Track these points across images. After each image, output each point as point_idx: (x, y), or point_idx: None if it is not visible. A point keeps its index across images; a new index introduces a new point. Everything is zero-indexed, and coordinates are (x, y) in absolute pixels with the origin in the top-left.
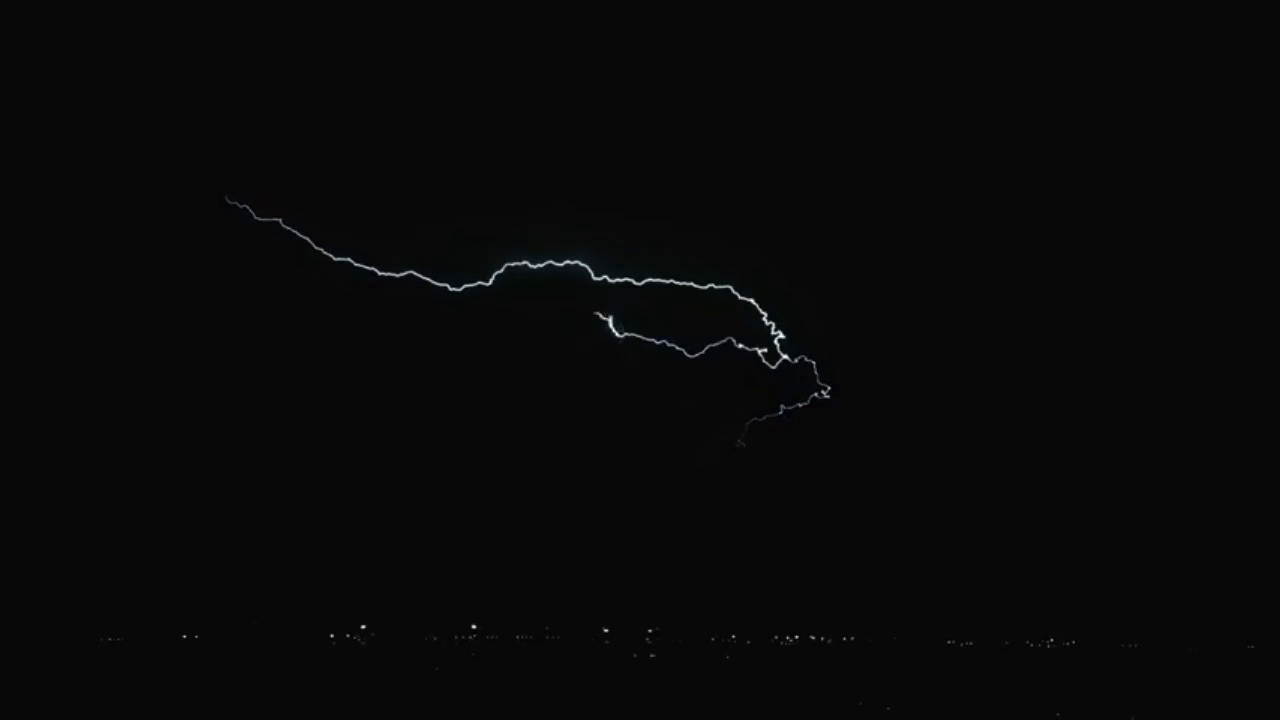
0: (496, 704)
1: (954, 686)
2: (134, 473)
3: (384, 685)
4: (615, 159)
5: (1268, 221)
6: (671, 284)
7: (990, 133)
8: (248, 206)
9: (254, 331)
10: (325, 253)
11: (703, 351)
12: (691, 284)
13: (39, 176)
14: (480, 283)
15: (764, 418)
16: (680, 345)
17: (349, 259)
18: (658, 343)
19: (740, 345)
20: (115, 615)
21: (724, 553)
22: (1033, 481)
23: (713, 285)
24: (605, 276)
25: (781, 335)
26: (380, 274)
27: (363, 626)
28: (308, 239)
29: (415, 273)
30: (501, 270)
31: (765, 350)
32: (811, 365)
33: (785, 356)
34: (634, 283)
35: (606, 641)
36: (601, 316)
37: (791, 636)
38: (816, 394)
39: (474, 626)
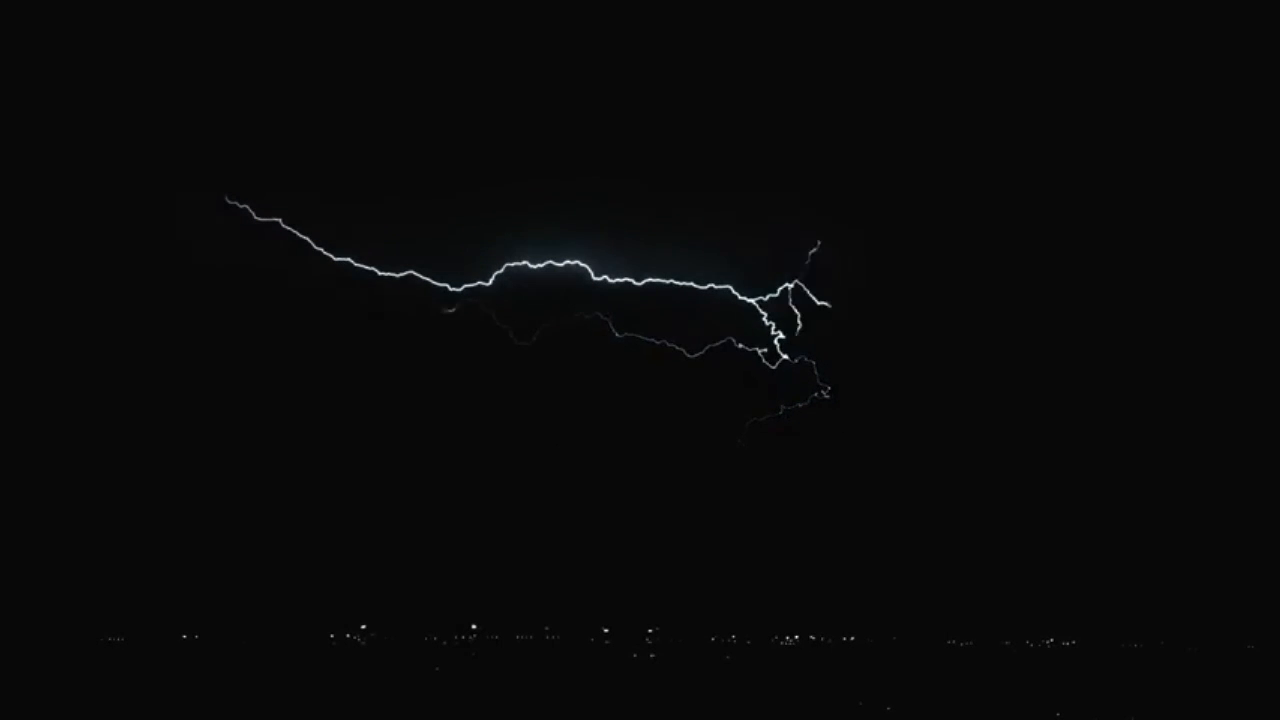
0: (496, 704)
1: (954, 686)
2: (134, 473)
3: (384, 685)
4: (615, 159)
5: (1266, 222)
6: (671, 284)
7: (992, 132)
8: (248, 206)
9: (254, 331)
10: (325, 253)
11: (703, 351)
12: (691, 284)
13: (38, 176)
14: (480, 283)
15: (764, 418)
16: (680, 345)
17: (349, 259)
18: (658, 343)
19: (740, 345)
20: (115, 615)
21: (724, 553)
22: (1032, 481)
23: (713, 285)
24: (605, 276)
25: (781, 335)
26: (380, 274)
27: (363, 626)
28: (308, 239)
29: (415, 273)
30: (501, 270)
31: (765, 350)
32: (811, 365)
33: (785, 356)
34: (634, 283)
35: (606, 641)
36: (602, 317)
37: (791, 636)
38: (816, 394)
39: (474, 626)
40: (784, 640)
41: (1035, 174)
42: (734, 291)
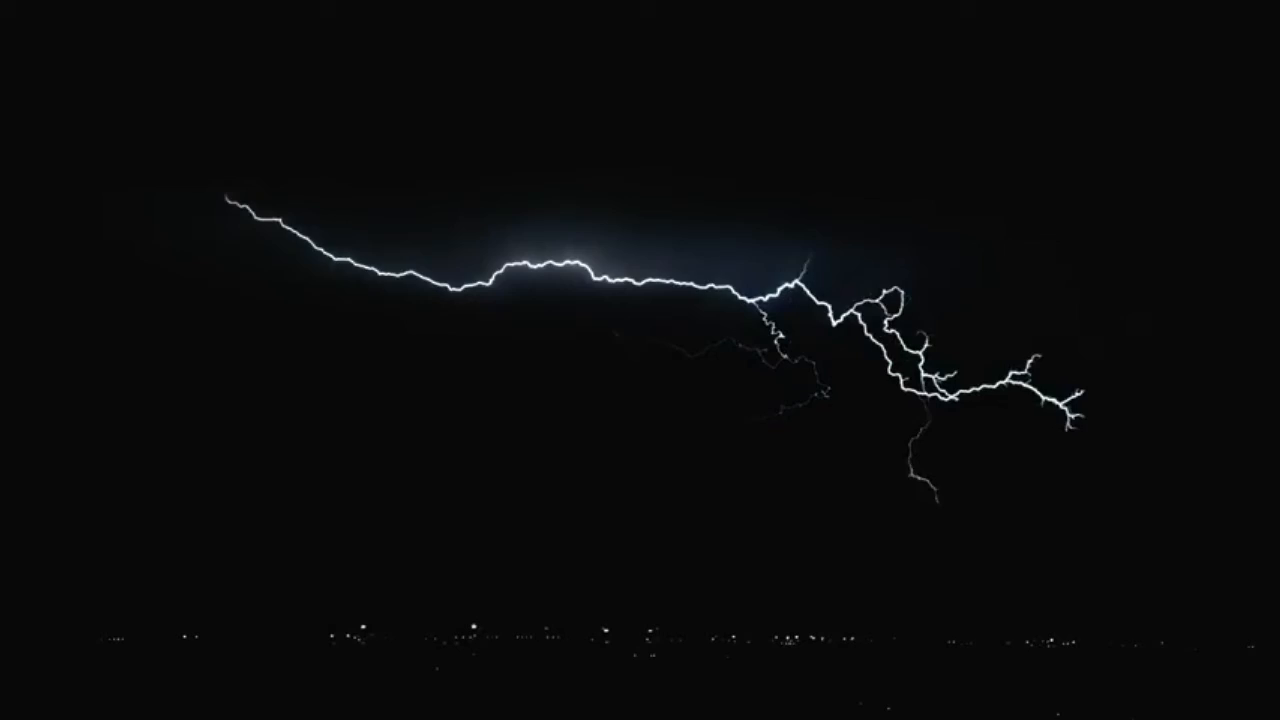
0: (496, 704)
1: (954, 686)
2: (134, 473)
3: (384, 685)
4: (615, 159)
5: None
6: (671, 284)
7: (992, 131)
8: (248, 207)
9: (253, 331)
10: (325, 253)
11: (703, 352)
12: (691, 284)
13: (38, 176)
14: (480, 283)
15: (764, 418)
16: (680, 345)
17: (349, 259)
18: (657, 343)
19: (740, 345)
20: (116, 615)
21: (724, 553)
22: (1032, 481)
23: (713, 285)
24: (605, 276)
25: (781, 335)
26: (380, 274)
27: (363, 626)
28: (308, 239)
29: (415, 273)
30: (501, 270)
31: (765, 350)
32: (811, 365)
33: (785, 356)
34: (634, 283)
35: (606, 641)
36: (602, 317)
37: (791, 636)
38: (816, 394)
39: (474, 626)
40: (784, 640)
41: (1038, 166)
42: (734, 291)
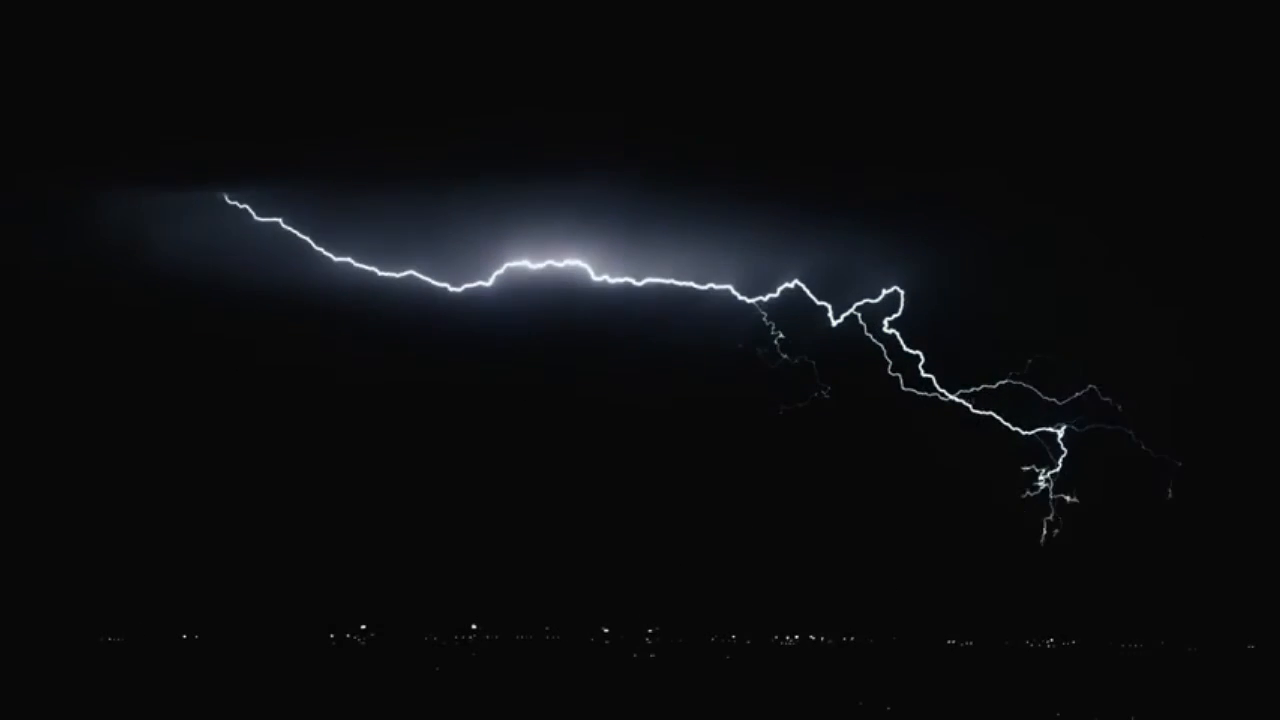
0: (496, 704)
1: (954, 686)
2: (134, 473)
3: (384, 685)
4: (615, 159)
5: None
6: (671, 284)
7: (992, 132)
8: (248, 206)
9: (253, 331)
10: (325, 253)
11: (703, 352)
12: (692, 284)
13: (38, 176)
14: (480, 283)
15: (764, 418)
16: (680, 345)
17: (349, 259)
18: (657, 343)
19: (740, 345)
20: (115, 615)
21: (724, 553)
22: (1031, 480)
23: (713, 285)
24: (605, 276)
25: (781, 335)
26: (380, 274)
27: (363, 626)
28: (308, 239)
29: (415, 273)
30: (501, 270)
31: (765, 350)
32: (812, 365)
33: (785, 356)
34: (634, 283)
35: (606, 641)
36: (602, 317)
37: (791, 636)
38: (816, 394)
39: (474, 626)
40: (784, 640)
41: (1038, 166)
42: (734, 291)
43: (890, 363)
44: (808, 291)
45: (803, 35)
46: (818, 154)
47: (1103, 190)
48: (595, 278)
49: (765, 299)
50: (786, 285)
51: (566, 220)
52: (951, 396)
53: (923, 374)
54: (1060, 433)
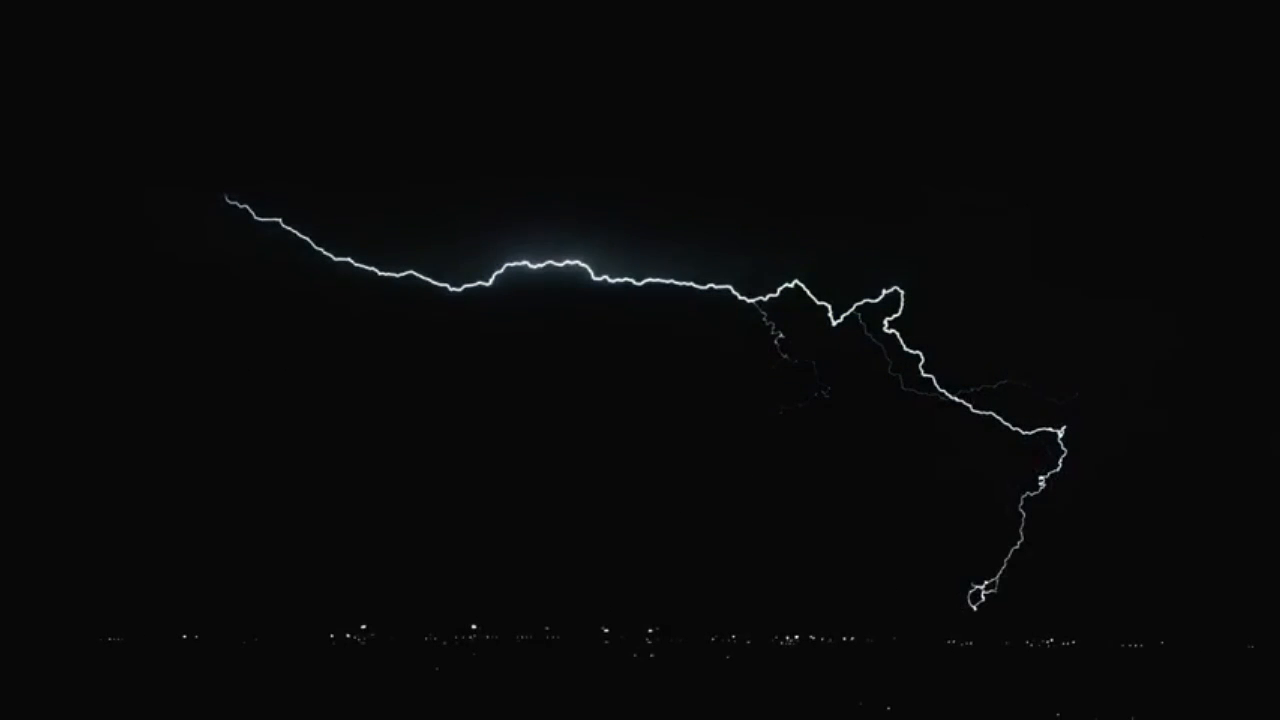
0: (496, 704)
1: (954, 686)
2: (134, 473)
3: (384, 685)
4: (615, 159)
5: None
6: (671, 284)
7: (992, 132)
8: (248, 206)
9: (254, 331)
10: (325, 253)
11: (703, 352)
12: (691, 284)
13: (37, 176)
14: (480, 283)
15: (764, 417)
16: (680, 345)
17: (349, 259)
18: (658, 343)
19: (740, 345)
20: (115, 615)
21: (724, 553)
22: (1031, 480)
23: (713, 285)
24: (605, 276)
25: (781, 335)
26: (380, 274)
27: (363, 626)
28: (308, 239)
29: (415, 273)
30: (501, 270)
31: (765, 350)
32: (812, 365)
33: (785, 356)
34: (634, 283)
35: (606, 641)
36: (602, 317)
37: (791, 636)
38: (816, 394)
39: (474, 626)
40: (784, 640)
41: (1038, 166)
42: (734, 291)
43: (890, 363)
44: (808, 291)
45: (803, 35)
46: (817, 154)
47: (1102, 191)
48: (595, 278)
49: (765, 299)
50: (786, 285)
51: (566, 220)
52: (951, 396)
53: (923, 374)
54: (1060, 433)
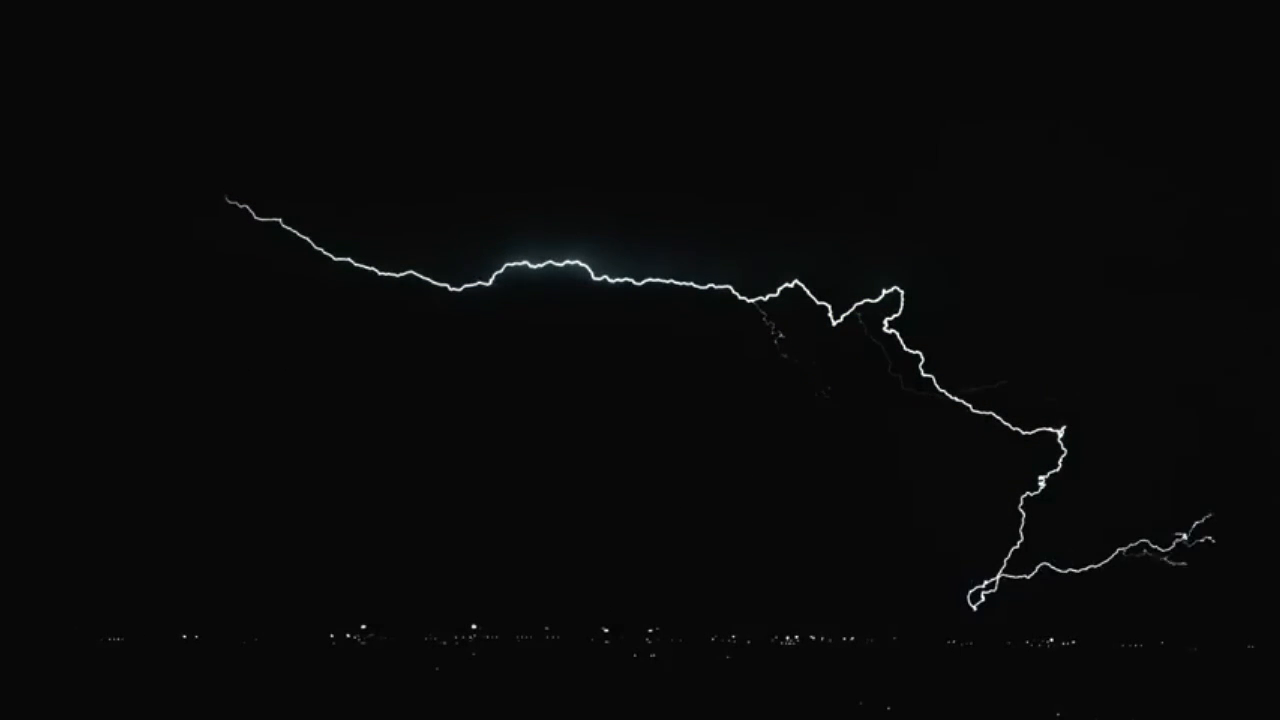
0: (497, 704)
1: (954, 686)
2: (133, 473)
3: (384, 685)
4: (615, 159)
5: None
6: (671, 284)
7: (992, 132)
8: (248, 206)
9: (253, 332)
10: (325, 253)
11: (703, 352)
12: (691, 284)
13: (36, 176)
14: (480, 283)
15: (764, 417)
16: (680, 345)
17: (349, 259)
18: (658, 343)
19: (740, 345)
20: (115, 615)
21: (725, 552)
22: (1031, 480)
23: (713, 285)
24: (605, 276)
25: (781, 335)
26: (380, 274)
27: (363, 626)
28: (308, 239)
29: (415, 273)
30: (501, 270)
31: (765, 350)
32: (812, 365)
33: (785, 356)
34: (634, 283)
35: (606, 641)
36: (601, 317)
37: (791, 636)
38: (816, 394)
39: (474, 626)
40: (784, 640)
41: (1038, 166)
42: (734, 291)
43: (890, 363)
44: (808, 291)
45: (803, 36)
46: (818, 154)
47: (1102, 191)
48: (595, 278)
49: (765, 299)
50: (786, 285)
51: (566, 220)
52: (951, 396)
53: (923, 374)
54: (1060, 433)
